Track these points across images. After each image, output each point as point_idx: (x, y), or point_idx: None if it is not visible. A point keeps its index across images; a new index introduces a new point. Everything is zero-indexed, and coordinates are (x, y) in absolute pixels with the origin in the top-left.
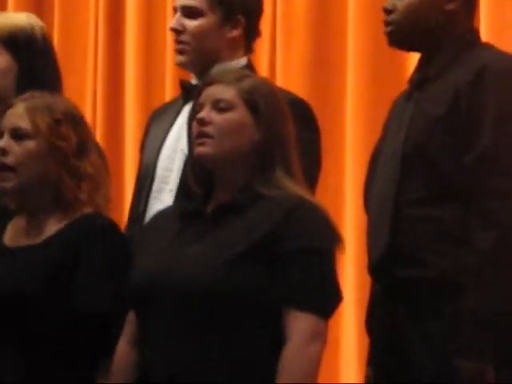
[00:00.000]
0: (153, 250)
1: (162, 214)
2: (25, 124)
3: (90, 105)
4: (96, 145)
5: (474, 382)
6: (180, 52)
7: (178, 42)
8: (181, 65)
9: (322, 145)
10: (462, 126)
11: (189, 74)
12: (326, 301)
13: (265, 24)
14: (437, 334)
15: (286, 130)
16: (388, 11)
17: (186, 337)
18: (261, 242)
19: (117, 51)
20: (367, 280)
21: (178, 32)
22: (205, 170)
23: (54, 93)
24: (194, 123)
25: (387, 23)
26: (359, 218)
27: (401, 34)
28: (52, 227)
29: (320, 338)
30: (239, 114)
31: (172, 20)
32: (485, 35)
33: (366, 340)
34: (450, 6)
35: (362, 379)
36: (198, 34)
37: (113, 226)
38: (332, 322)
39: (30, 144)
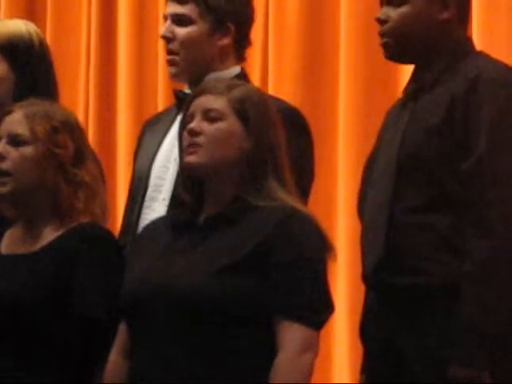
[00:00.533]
0: (144, 261)
1: (153, 225)
2: (23, 130)
3: (82, 114)
4: (92, 154)
5: None
6: (171, 63)
7: (168, 51)
8: (173, 77)
9: (315, 153)
10: (458, 134)
11: (182, 83)
12: (317, 312)
13: (257, 33)
14: (432, 341)
15: (277, 139)
16: (381, 21)
17: (176, 347)
18: (252, 253)
19: (109, 60)
20: (360, 289)
21: (168, 40)
22: (195, 180)
23: (52, 100)
24: (185, 133)
25: (381, 34)
26: (351, 227)
27: (395, 47)
28: (48, 236)
29: (312, 348)
30: (229, 124)
31: (162, 28)
32: (476, 45)
33: (358, 349)
34: (444, 16)
35: None
36: (188, 42)
37: (108, 235)
38: (324, 331)
39: (28, 150)
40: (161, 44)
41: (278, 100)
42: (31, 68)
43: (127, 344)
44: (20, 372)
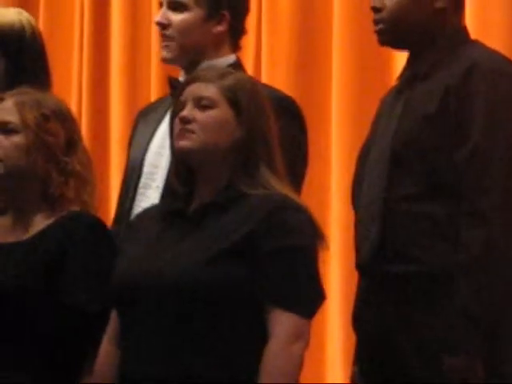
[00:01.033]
0: (135, 249)
1: (145, 213)
2: (14, 119)
3: (75, 102)
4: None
5: (464, 379)
6: (164, 48)
7: (163, 36)
8: (165, 61)
9: (309, 142)
10: (452, 123)
11: (176, 70)
12: (308, 300)
13: (250, 21)
14: (426, 330)
15: (269, 127)
16: (376, 9)
17: (166, 335)
18: (243, 241)
19: (102, 48)
20: (353, 278)
21: (163, 26)
22: (187, 168)
23: (44, 89)
24: (176, 121)
25: (376, 22)
26: (345, 216)
27: (391, 33)
28: (39, 224)
29: (302, 337)
30: (221, 112)
31: (157, 14)
32: (471, 32)
33: (351, 338)
34: (439, 4)
35: (347, 378)
36: (183, 28)
37: (99, 223)
38: (317, 320)
39: (18, 138)
40: (154, 32)
41: (271, 88)
42: (22, 57)
43: (118, 333)
44: (9, 360)
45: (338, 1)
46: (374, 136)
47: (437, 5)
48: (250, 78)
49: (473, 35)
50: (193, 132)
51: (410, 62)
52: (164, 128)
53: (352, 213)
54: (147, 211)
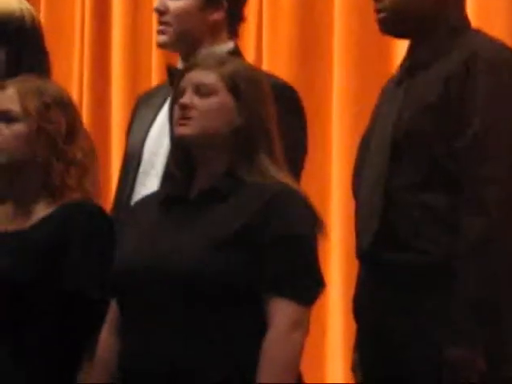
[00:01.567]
0: (134, 237)
1: (144, 200)
2: (15, 107)
3: (76, 89)
4: (85, 131)
5: (464, 370)
6: (161, 33)
7: (160, 23)
8: (161, 46)
9: (308, 129)
10: (453, 112)
11: (175, 58)
12: (308, 288)
13: (251, 9)
14: (425, 320)
15: (269, 114)
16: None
17: (167, 324)
18: (243, 229)
19: (103, 35)
20: (353, 267)
21: (160, 13)
22: (186, 155)
23: (44, 77)
24: (176, 108)
25: (378, 10)
26: (346, 204)
27: (392, 22)
28: (40, 212)
29: (302, 325)
30: (221, 99)
31: (156, 1)
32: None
33: (352, 327)
34: None
35: (348, 366)
36: (180, 15)
37: (101, 211)
38: (318, 308)
39: (20, 127)
40: (155, 20)
41: (270, 76)
42: (23, 45)
43: (119, 321)
44: (9, 347)
45: None
46: (375, 125)
47: None
48: (250, 64)
49: (473, 24)
50: (192, 119)
51: (410, 50)
52: (163, 115)
53: (353, 201)
54: (146, 198)
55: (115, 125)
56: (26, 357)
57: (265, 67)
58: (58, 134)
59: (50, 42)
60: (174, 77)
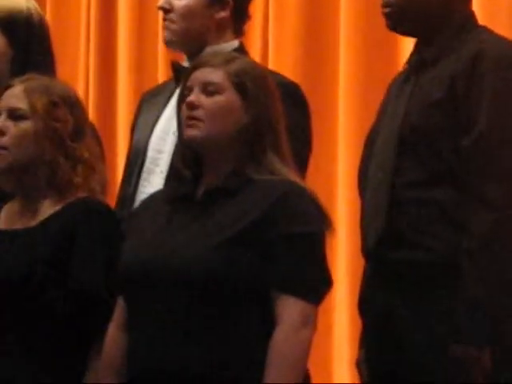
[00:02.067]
0: (142, 235)
1: (151, 198)
2: (22, 105)
3: (83, 87)
4: (93, 129)
5: (469, 367)
6: (167, 28)
7: (165, 21)
8: (168, 44)
9: (313, 127)
10: (460, 109)
11: (181, 56)
12: (315, 286)
13: (257, 7)
14: (431, 317)
15: (276, 113)
16: None
17: (174, 321)
18: (251, 227)
19: (109, 32)
20: (360, 264)
21: (165, 10)
22: (194, 154)
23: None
24: (183, 107)
25: (385, 5)
26: (352, 201)
27: (398, 17)
28: (47, 210)
29: (310, 323)
30: (228, 97)
31: None
32: (478, 18)
33: (358, 324)
34: None
35: (354, 364)
36: (185, 13)
37: (107, 209)
38: (324, 305)
39: (27, 125)
40: (161, 16)
41: (276, 74)
42: (29, 45)
43: (126, 318)
44: (18, 346)
45: None
46: (381, 121)
47: None
48: (257, 63)
49: (480, 21)
50: (200, 119)
51: (417, 47)
52: (168, 113)
53: (359, 199)
54: (154, 196)
55: (121, 122)
56: (32, 354)
57: (271, 65)
58: (65, 132)
59: (56, 40)
60: (179, 74)
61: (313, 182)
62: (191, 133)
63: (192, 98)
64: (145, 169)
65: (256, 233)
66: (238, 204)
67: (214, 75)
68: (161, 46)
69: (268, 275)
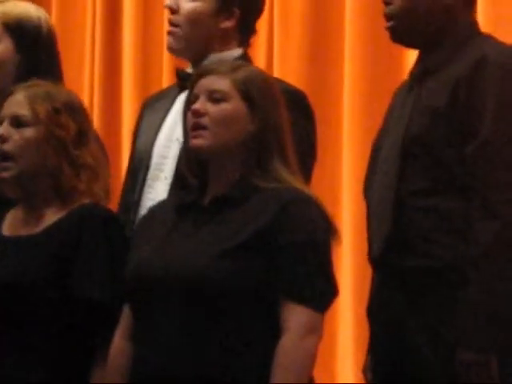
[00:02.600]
0: (148, 243)
1: (158, 207)
2: (25, 111)
3: (87, 94)
4: (96, 136)
5: (477, 374)
6: (171, 34)
7: (170, 23)
8: (171, 50)
9: (318, 135)
10: (463, 117)
11: (185, 62)
12: (322, 295)
13: (262, 18)
14: (439, 324)
15: (281, 120)
16: (387, 2)
17: (181, 329)
18: (257, 235)
19: (114, 40)
20: (365, 272)
21: (172, 10)
22: (200, 161)
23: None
24: (189, 114)
25: (387, 16)
26: (357, 209)
27: (402, 30)
28: (51, 217)
29: (316, 331)
30: (234, 105)
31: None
32: (481, 27)
33: (363, 332)
34: (448, 0)
35: (358, 372)
36: (191, 17)
37: (112, 215)
38: (329, 314)
39: (30, 132)
40: (166, 24)
41: (282, 82)
42: (37, 52)
43: (131, 327)
44: (21, 354)
45: None
46: (386, 130)
47: (446, 1)
48: (262, 71)
49: (484, 30)
50: (206, 128)
51: (420, 57)
52: (171, 118)
53: (363, 207)
54: (160, 204)
55: (126, 128)
56: (37, 362)
57: (276, 73)
58: (68, 138)
59: (62, 47)
60: (183, 80)
61: (318, 189)
62: (197, 142)
63: (198, 105)
64: (149, 175)
65: (262, 241)
66: (244, 212)
67: (221, 83)
68: (166, 53)
69: (274, 283)
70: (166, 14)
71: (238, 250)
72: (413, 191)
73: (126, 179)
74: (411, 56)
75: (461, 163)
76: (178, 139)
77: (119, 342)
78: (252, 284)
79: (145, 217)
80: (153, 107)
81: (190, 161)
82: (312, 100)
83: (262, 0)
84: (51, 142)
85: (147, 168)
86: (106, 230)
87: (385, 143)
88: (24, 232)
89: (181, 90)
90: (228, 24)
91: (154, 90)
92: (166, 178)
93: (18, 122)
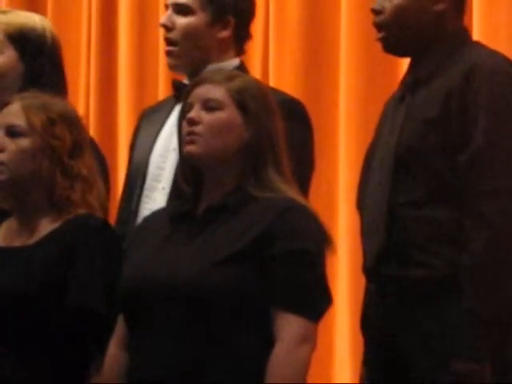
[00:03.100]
0: (143, 252)
1: (153, 216)
2: (20, 122)
3: (83, 104)
4: (94, 147)
5: (471, 382)
6: (169, 54)
7: (167, 41)
8: (171, 68)
9: (315, 145)
10: (455, 126)
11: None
12: (315, 304)
13: (258, 25)
14: (433, 334)
15: (276, 130)
16: (376, 12)
17: (175, 339)
18: (251, 244)
19: (109, 50)
20: (360, 282)
21: (167, 29)
22: (194, 170)
23: (59, 96)
24: (184, 123)
25: (377, 25)
26: (352, 219)
27: (393, 40)
28: (45, 227)
29: (309, 340)
30: (228, 114)
31: (163, 16)
32: (477, 36)
33: (359, 342)
34: (439, 7)
35: (355, 381)
36: (188, 32)
37: (106, 226)
38: (325, 324)
39: (24, 142)
40: (162, 33)
41: (278, 91)
42: (40, 62)
43: (126, 336)
44: (17, 363)
45: (345, 5)
46: (378, 140)
47: (436, 8)
48: (258, 80)
49: (480, 37)
50: (200, 135)
51: (412, 66)
52: (168, 129)
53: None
54: (155, 214)
55: (122, 138)
56: (32, 372)
57: (271, 81)
58: (63, 149)
59: None
60: (179, 91)
61: (314, 197)
62: (190, 149)
63: (192, 114)
64: (146, 186)
65: (256, 250)
66: (238, 221)
67: (215, 92)
68: (161, 63)
69: (267, 292)
70: (162, 32)
71: (232, 259)
72: (406, 201)
73: (123, 190)
74: (406, 64)
75: (454, 173)
76: (174, 149)
77: (114, 352)
78: (246, 293)
79: (139, 227)
80: (149, 119)
81: (184, 169)
82: (308, 108)
83: (253, 3)
84: (46, 152)
85: (144, 178)
86: (101, 239)
87: (377, 153)
88: (18, 243)
89: (177, 101)
90: (225, 34)
91: (150, 100)
92: (163, 188)
93: (13, 132)
